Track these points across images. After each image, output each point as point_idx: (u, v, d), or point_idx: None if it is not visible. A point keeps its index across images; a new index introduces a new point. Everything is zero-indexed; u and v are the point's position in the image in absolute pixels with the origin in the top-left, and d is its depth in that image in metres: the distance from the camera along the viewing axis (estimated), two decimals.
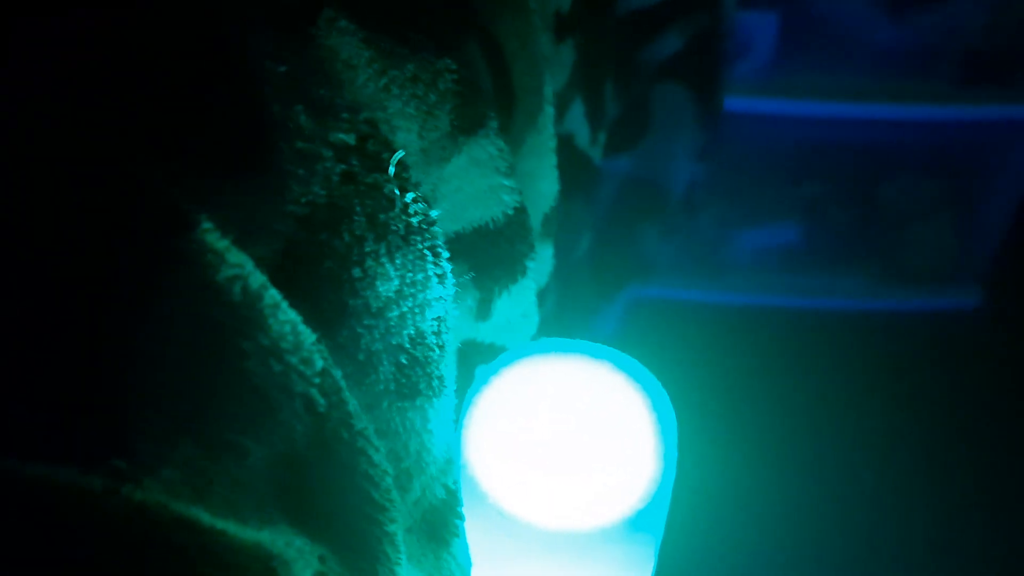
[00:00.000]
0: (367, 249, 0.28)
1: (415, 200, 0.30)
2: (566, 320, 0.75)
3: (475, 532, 0.36)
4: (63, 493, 0.18)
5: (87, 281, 0.20)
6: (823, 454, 1.11)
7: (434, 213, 0.31)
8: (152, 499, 0.19)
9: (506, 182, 0.39)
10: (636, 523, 0.35)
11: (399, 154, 0.29)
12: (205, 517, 0.19)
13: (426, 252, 0.30)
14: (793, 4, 1.11)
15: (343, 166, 0.27)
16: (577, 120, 0.67)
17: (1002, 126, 1.10)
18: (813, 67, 1.13)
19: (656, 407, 0.38)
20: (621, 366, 0.39)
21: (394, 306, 0.29)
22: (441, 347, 0.32)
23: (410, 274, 0.30)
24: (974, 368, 1.19)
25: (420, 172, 0.35)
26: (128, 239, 0.20)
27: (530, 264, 0.43)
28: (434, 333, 0.31)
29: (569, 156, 0.68)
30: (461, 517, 0.37)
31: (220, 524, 0.19)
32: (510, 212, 0.40)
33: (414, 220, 0.30)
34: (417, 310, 0.31)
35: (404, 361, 0.29)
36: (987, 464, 1.10)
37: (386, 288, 0.29)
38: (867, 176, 1.21)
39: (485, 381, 0.38)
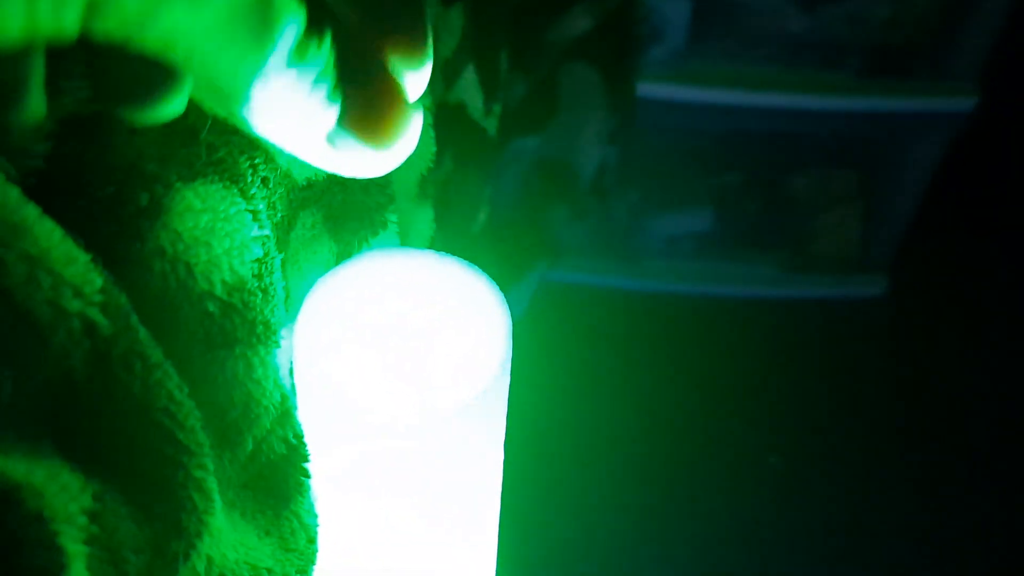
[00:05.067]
0: (150, 170, 0.25)
1: (214, 133, 0.28)
2: None
3: (312, 430, 0.34)
4: None
5: None
6: (728, 440, 1.12)
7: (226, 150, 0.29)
8: None
9: None
10: (477, 408, 0.34)
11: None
12: None
13: (231, 185, 0.28)
14: None
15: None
16: (470, 88, 0.65)
17: (905, 118, 1.12)
18: (726, 55, 1.14)
19: (497, 301, 0.36)
20: (461, 264, 0.37)
21: (202, 249, 0.27)
22: (264, 291, 0.30)
23: (219, 207, 0.28)
24: (878, 354, 1.21)
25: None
26: None
27: (391, 217, 0.41)
28: (255, 276, 0.29)
29: (462, 126, 0.67)
30: (306, 473, 0.35)
31: None
32: None
33: (217, 155, 0.28)
34: (235, 252, 0.29)
35: (213, 309, 0.27)
36: (891, 450, 1.12)
37: (189, 226, 0.27)
38: (777, 165, 1.22)
39: (320, 280, 0.36)
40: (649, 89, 1.09)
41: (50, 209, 0.22)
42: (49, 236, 0.21)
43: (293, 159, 0.36)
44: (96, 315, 0.22)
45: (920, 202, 1.18)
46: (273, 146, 0.34)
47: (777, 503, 1.07)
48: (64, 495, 0.20)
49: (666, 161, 1.21)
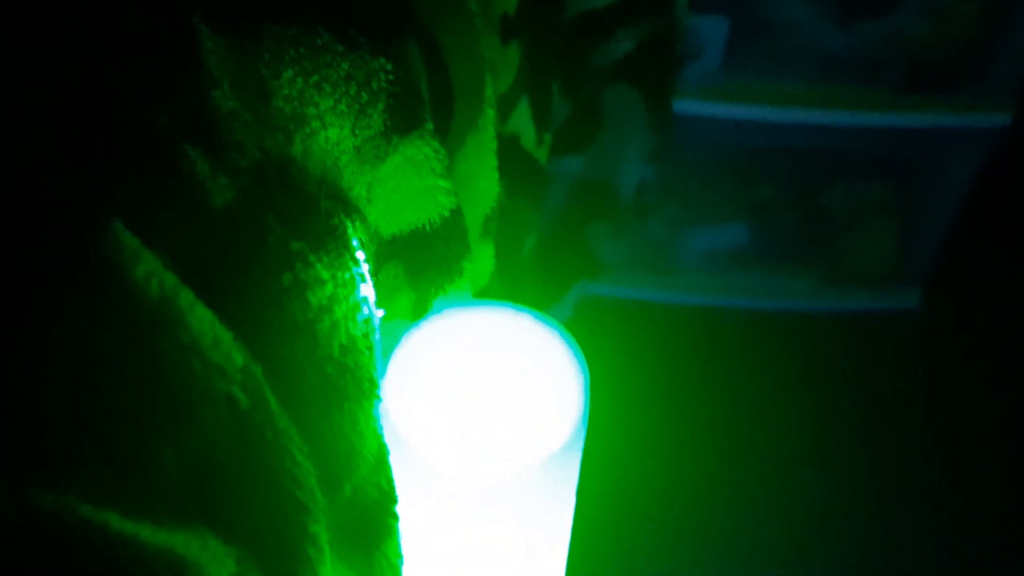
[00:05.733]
0: (294, 249, 0.28)
1: (327, 198, 0.30)
2: None
3: (401, 480, 0.36)
4: None
5: None
6: (764, 454, 1.13)
7: (351, 218, 0.31)
8: (60, 502, 0.19)
9: (442, 183, 0.39)
10: (552, 467, 0.35)
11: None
12: (115, 520, 0.19)
13: (344, 252, 0.30)
14: (744, 9, 1.12)
15: (253, 173, 0.27)
16: (523, 121, 0.67)
17: (942, 134, 1.13)
18: (763, 72, 1.15)
19: (574, 358, 0.38)
20: (539, 320, 0.39)
21: (325, 315, 0.29)
22: (370, 348, 0.32)
23: (340, 274, 0.30)
24: (913, 367, 1.22)
25: (354, 170, 0.35)
26: (31, 237, 0.19)
27: (466, 265, 0.43)
28: (363, 335, 0.31)
29: (514, 157, 0.69)
30: (395, 516, 0.37)
31: (131, 528, 0.19)
32: (446, 214, 0.40)
33: (333, 221, 0.30)
34: (350, 315, 0.31)
35: (331, 371, 0.29)
36: (926, 462, 1.13)
37: (319, 295, 0.29)
38: (813, 180, 1.23)
39: (405, 336, 0.38)
40: (687, 106, 1.11)
41: (206, 285, 0.24)
42: (200, 322, 0.23)
43: (381, 215, 0.38)
44: (238, 392, 0.24)
45: (956, 216, 1.19)
46: (364, 205, 0.36)
47: (813, 517, 1.08)
48: (215, 563, 0.23)
49: (703, 176, 1.23)
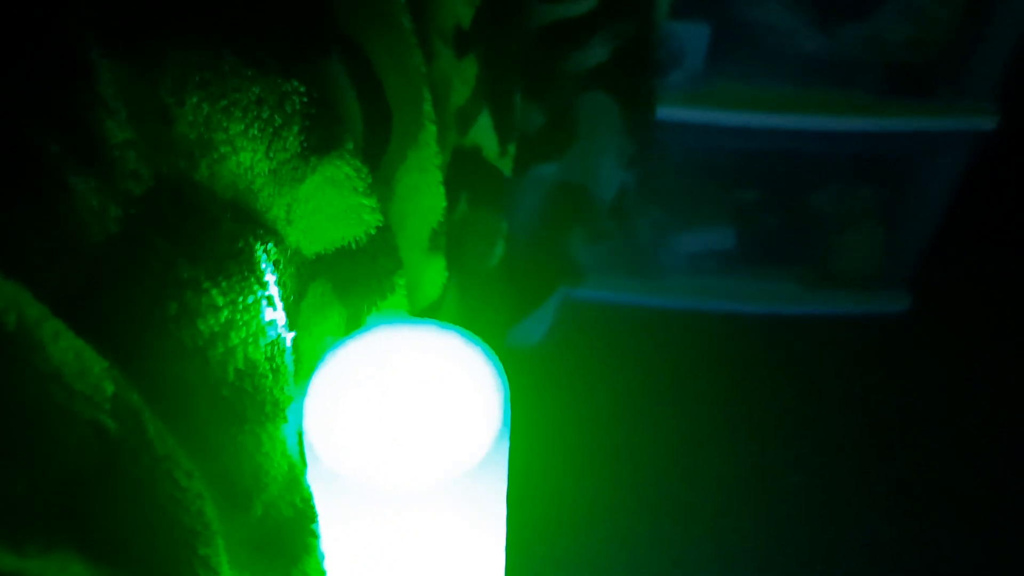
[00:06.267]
0: (184, 276, 0.28)
1: (234, 221, 0.30)
2: (480, 328, 0.76)
3: (321, 498, 0.37)
4: None
5: None
6: (750, 458, 1.13)
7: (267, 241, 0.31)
8: None
9: (365, 201, 0.40)
10: (472, 481, 0.36)
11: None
12: None
13: (248, 275, 0.31)
14: (725, 15, 1.12)
15: (147, 200, 0.27)
16: (485, 133, 0.67)
17: (924, 137, 1.12)
18: (744, 77, 1.15)
19: (496, 374, 0.38)
20: (464, 337, 0.39)
21: (219, 341, 0.30)
22: (275, 371, 0.32)
23: (241, 299, 0.31)
24: (901, 370, 1.22)
25: (270, 192, 0.35)
26: None
27: (399, 280, 0.43)
28: (267, 359, 0.32)
29: (477, 168, 0.69)
30: (314, 534, 0.37)
31: None
32: (372, 231, 0.41)
33: (238, 244, 0.30)
34: (250, 340, 0.31)
35: (226, 394, 0.30)
36: (914, 467, 1.12)
37: (210, 322, 0.29)
38: (797, 184, 1.23)
39: (328, 356, 0.38)
40: (670, 112, 1.11)
41: (84, 315, 0.24)
42: (64, 352, 0.23)
43: (303, 235, 0.39)
44: (106, 420, 0.24)
45: (942, 218, 1.18)
46: (283, 226, 0.36)
47: (798, 522, 1.08)
48: None
49: (687, 180, 1.23)
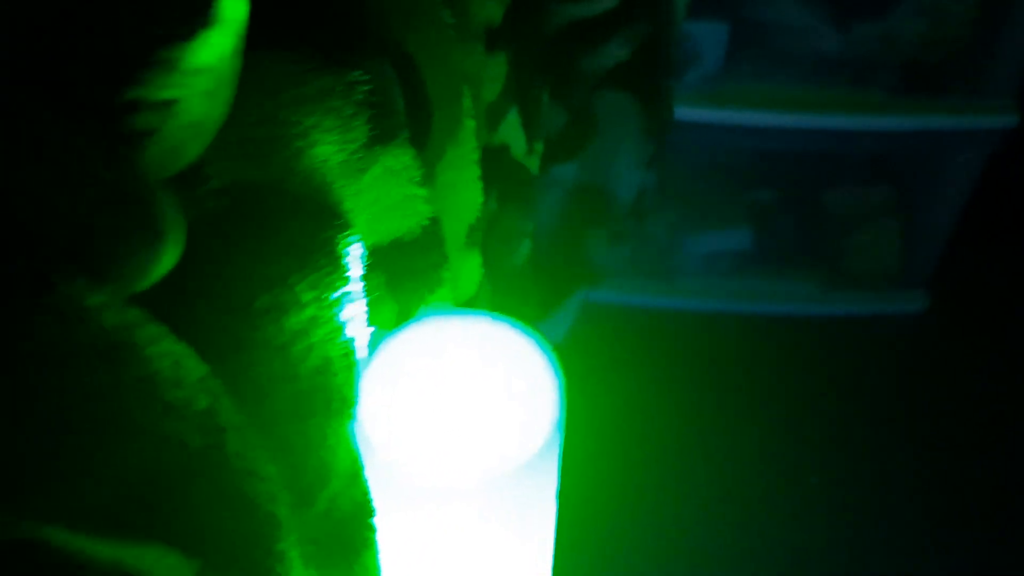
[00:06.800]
0: (272, 273, 0.28)
1: (316, 216, 0.30)
2: None
3: (377, 490, 0.36)
4: None
5: None
6: (768, 459, 1.12)
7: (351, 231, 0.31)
8: None
9: (420, 192, 0.39)
10: (526, 474, 0.35)
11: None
12: (58, 537, 0.19)
13: (333, 271, 0.30)
14: (742, 14, 1.12)
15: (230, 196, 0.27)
16: (513, 130, 0.67)
17: (942, 135, 1.12)
18: (761, 76, 1.14)
19: (549, 366, 0.38)
20: (516, 328, 0.39)
21: (301, 338, 0.29)
22: (347, 368, 0.32)
23: (325, 295, 0.30)
24: (919, 371, 1.21)
25: (341, 185, 0.35)
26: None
27: (446, 275, 0.43)
28: (343, 356, 0.31)
29: (505, 166, 0.69)
30: (372, 529, 0.37)
31: (76, 543, 0.19)
32: (425, 223, 0.40)
33: (322, 237, 0.30)
34: (330, 336, 0.31)
35: (300, 390, 0.29)
36: (931, 467, 1.12)
37: (294, 321, 0.29)
38: (814, 183, 1.23)
39: (381, 346, 0.38)
40: (687, 112, 1.10)
41: (183, 311, 0.24)
42: (161, 361, 0.23)
43: (364, 228, 0.38)
44: (191, 436, 0.24)
45: (959, 217, 1.18)
46: (353, 219, 0.36)
47: (817, 523, 1.07)
48: (174, 574, 0.23)
49: (703, 181, 1.22)
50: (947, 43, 1.08)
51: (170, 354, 0.23)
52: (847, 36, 1.10)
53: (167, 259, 0.24)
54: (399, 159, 0.38)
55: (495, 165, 0.67)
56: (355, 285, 0.33)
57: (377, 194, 0.38)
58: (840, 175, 1.22)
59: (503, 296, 0.71)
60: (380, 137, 0.37)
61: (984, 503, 1.08)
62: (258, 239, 0.29)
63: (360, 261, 0.35)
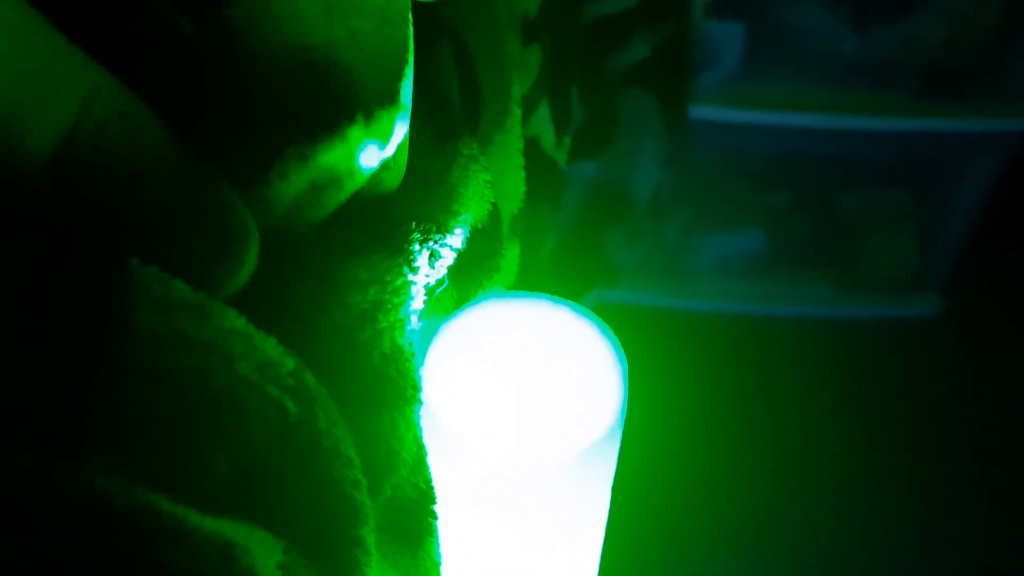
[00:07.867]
0: (335, 251, 0.27)
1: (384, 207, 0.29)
2: None
3: (439, 470, 0.35)
4: (24, 476, 0.18)
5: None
6: (782, 462, 1.12)
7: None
8: (113, 485, 0.18)
9: (487, 177, 0.39)
10: (590, 458, 0.35)
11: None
12: (166, 504, 0.19)
13: (396, 256, 0.29)
14: (760, 15, 1.12)
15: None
16: (543, 123, 0.67)
17: (960, 139, 1.12)
18: (779, 77, 1.14)
19: (612, 350, 0.37)
20: (576, 311, 0.38)
21: (368, 325, 0.28)
22: (415, 354, 0.31)
23: (388, 279, 0.30)
24: (933, 374, 1.21)
25: (418, 176, 0.34)
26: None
27: (502, 263, 0.42)
28: (411, 344, 0.31)
29: (534, 158, 0.68)
30: (434, 515, 0.36)
31: (181, 512, 0.19)
32: (490, 207, 0.40)
33: (386, 226, 0.29)
34: (398, 325, 0.30)
35: (369, 378, 0.29)
36: (946, 470, 1.11)
37: (358, 298, 0.28)
38: (829, 185, 1.22)
39: (442, 329, 0.37)
40: (704, 112, 1.10)
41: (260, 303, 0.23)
42: (254, 339, 0.22)
43: (454, 215, 0.37)
44: (288, 402, 0.23)
45: (975, 221, 1.18)
46: (452, 219, 0.35)
47: (832, 525, 1.07)
48: (264, 549, 0.22)
49: (719, 182, 1.22)
50: (967, 47, 1.08)
51: (260, 333, 0.22)
52: (866, 38, 1.10)
53: (251, 261, 0.23)
54: (471, 146, 0.37)
55: (526, 158, 0.67)
56: (424, 276, 0.32)
57: (461, 179, 0.37)
58: (856, 177, 1.22)
59: (529, 291, 0.70)
60: (443, 129, 0.36)
61: (1000, 506, 1.08)
62: (334, 228, 0.28)
63: (439, 250, 0.35)
